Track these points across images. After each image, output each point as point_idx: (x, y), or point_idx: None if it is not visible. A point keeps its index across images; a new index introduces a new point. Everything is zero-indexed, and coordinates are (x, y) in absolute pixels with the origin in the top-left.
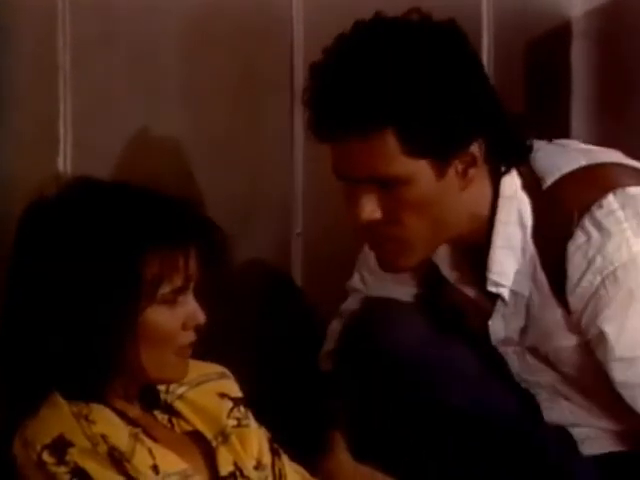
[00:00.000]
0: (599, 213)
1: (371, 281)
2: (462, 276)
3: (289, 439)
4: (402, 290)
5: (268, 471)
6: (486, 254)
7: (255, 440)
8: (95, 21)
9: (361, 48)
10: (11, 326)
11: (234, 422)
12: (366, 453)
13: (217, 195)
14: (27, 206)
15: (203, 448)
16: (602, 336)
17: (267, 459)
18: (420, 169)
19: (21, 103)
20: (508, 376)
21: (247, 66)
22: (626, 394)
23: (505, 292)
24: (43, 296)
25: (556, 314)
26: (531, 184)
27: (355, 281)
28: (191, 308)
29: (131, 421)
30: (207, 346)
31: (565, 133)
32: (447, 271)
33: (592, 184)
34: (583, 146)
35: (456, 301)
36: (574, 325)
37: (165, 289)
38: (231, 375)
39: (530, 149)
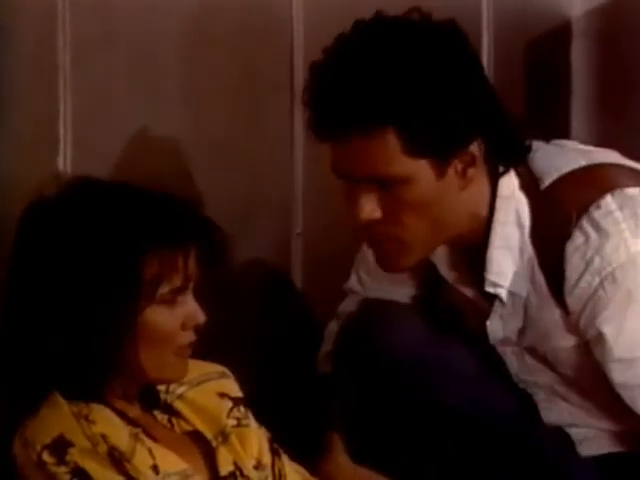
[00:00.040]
0: (597, 214)
1: (369, 282)
2: (460, 276)
3: (289, 439)
4: (400, 291)
5: (268, 471)
6: (484, 254)
7: (255, 440)
8: (95, 21)
9: (361, 48)
10: (11, 326)
11: (234, 422)
12: (364, 455)
13: (217, 195)
14: (27, 206)
15: (203, 448)
16: (601, 337)
17: (267, 459)
18: (420, 169)
19: (21, 103)
20: (506, 376)
21: (247, 66)
22: (625, 395)
23: (503, 293)
24: (43, 296)
25: (554, 315)
26: (529, 184)
27: (352, 282)
28: (190, 308)
29: (131, 421)
30: (207, 346)
31: (565, 133)
32: (445, 271)
33: (590, 185)
34: (581, 147)
35: (454, 301)
36: (572, 326)
37: (164, 289)
38: (231, 375)
39: (529, 149)
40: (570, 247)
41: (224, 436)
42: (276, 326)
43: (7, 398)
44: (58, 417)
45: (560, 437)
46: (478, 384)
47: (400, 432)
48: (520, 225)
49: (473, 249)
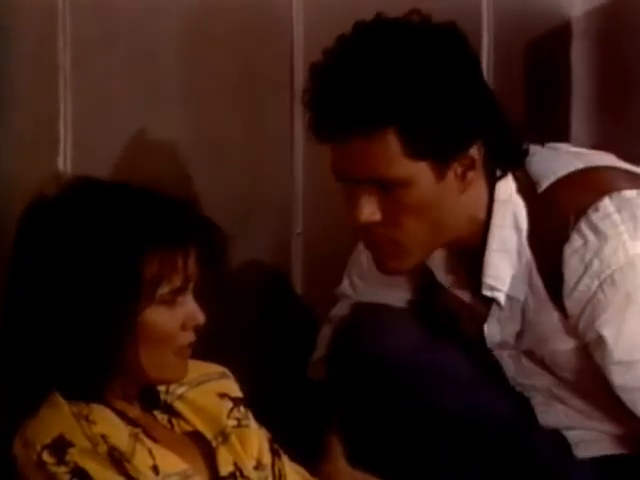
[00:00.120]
0: (595, 216)
1: (361, 286)
2: (457, 280)
3: (289, 439)
4: (394, 295)
5: (268, 471)
6: (482, 258)
7: (255, 440)
8: (95, 21)
9: (362, 49)
10: (11, 326)
11: (234, 422)
12: (360, 458)
13: (217, 195)
14: (27, 206)
15: (203, 448)
16: (600, 340)
17: (267, 459)
18: (420, 171)
19: (21, 103)
20: (502, 380)
21: (247, 66)
22: (625, 397)
23: (501, 296)
24: (43, 296)
25: (552, 318)
26: (526, 188)
27: (345, 286)
28: (190, 308)
29: (131, 421)
30: (207, 346)
31: (565, 133)
32: (442, 275)
33: (587, 187)
34: (576, 149)
35: (450, 306)
36: (571, 329)
37: (164, 289)
38: (231, 375)
39: (526, 153)
40: (568, 250)
41: (224, 436)
42: (276, 326)
43: (7, 398)
44: (58, 417)
45: (556, 440)
46: (473, 388)
47: (395, 436)
48: (518, 228)
49: (470, 253)
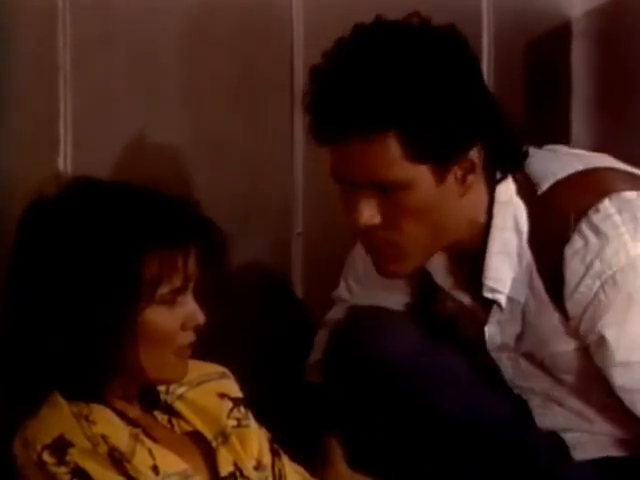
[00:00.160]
0: (596, 217)
1: (358, 290)
2: (456, 283)
3: (289, 439)
4: (393, 298)
5: (268, 471)
6: (482, 261)
7: (255, 440)
8: (95, 21)
9: (361, 52)
10: (11, 326)
11: (234, 422)
12: (360, 461)
13: (217, 195)
14: (27, 206)
15: (203, 448)
16: (602, 341)
17: (267, 459)
18: (420, 174)
19: (21, 103)
20: (500, 383)
21: (247, 66)
22: (626, 398)
23: (502, 298)
24: (43, 296)
25: (552, 320)
26: (526, 190)
27: (341, 290)
28: (190, 308)
29: (131, 421)
30: (207, 346)
31: (565, 133)
32: (441, 278)
33: (587, 189)
34: (574, 151)
35: (449, 309)
36: (572, 330)
37: (164, 289)
38: (231, 375)
39: (526, 155)
40: (569, 251)
41: (224, 437)
42: (276, 326)
43: (7, 398)
44: (58, 417)
45: (554, 442)
46: (472, 390)
47: (395, 438)
48: (518, 230)
49: (471, 256)
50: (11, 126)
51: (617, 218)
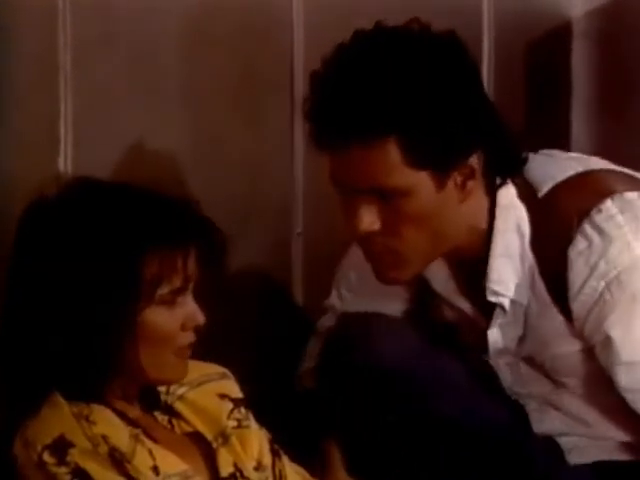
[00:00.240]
0: (598, 218)
1: (350, 298)
2: (455, 289)
3: (289, 440)
4: (387, 306)
5: (268, 472)
6: (483, 265)
7: (255, 441)
8: (95, 21)
9: (361, 58)
10: (11, 326)
11: (234, 423)
12: (358, 468)
13: (217, 195)
14: (27, 206)
15: (203, 449)
16: (608, 341)
17: (267, 460)
18: (420, 180)
19: (21, 103)
20: (498, 388)
21: (247, 66)
22: (630, 398)
23: (505, 301)
24: (43, 296)
25: (555, 321)
26: (527, 193)
27: (333, 299)
28: (190, 309)
29: (131, 422)
30: (207, 346)
31: (565, 133)
32: (439, 285)
33: (589, 190)
34: (570, 154)
35: (447, 315)
36: (576, 332)
37: (164, 290)
38: (232, 376)
39: (525, 161)
40: (573, 252)
41: (224, 437)
42: (276, 326)
43: (7, 398)
44: (59, 417)
45: (550, 446)
46: (469, 394)
47: (393, 442)
48: (520, 233)
49: (471, 262)
50: (11, 126)
51: (620, 218)
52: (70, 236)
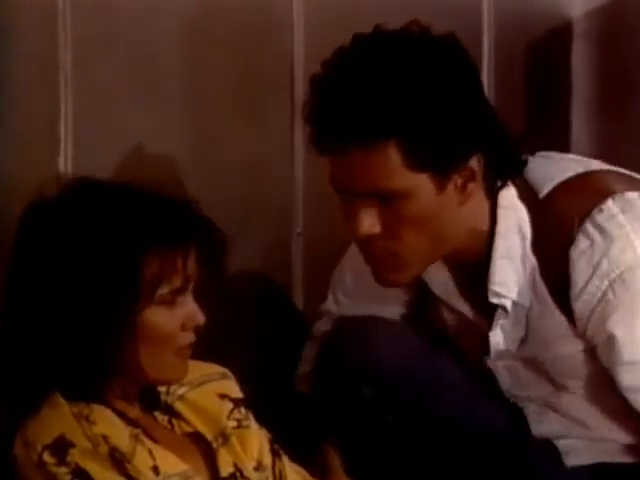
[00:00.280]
0: (600, 217)
1: (347, 303)
2: (455, 292)
3: (289, 440)
4: (384, 310)
5: (268, 472)
6: (483, 268)
7: (255, 441)
8: (95, 21)
9: (361, 62)
10: (11, 326)
11: (234, 423)
12: (358, 470)
13: (217, 195)
14: (27, 206)
15: (203, 449)
16: (611, 340)
17: (267, 460)
18: (420, 183)
19: (21, 103)
20: (496, 391)
21: (247, 66)
22: (632, 398)
23: (507, 303)
24: (43, 296)
25: (556, 322)
26: (527, 195)
27: (329, 303)
28: (190, 309)
29: (131, 422)
30: (207, 346)
31: (565, 133)
32: (438, 288)
33: (589, 190)
34: (568, 156)
35: (444, 319)
36: (577, 332)
37: (164, 290)
38: (232, 376)
39: (525, 163)
40: (575, 252)
41: (224, 437)
42: (276, 326)
43: (7, 398)
44: (59, 417)
45: (547, 449)
46: (467, 397)
47: (393, 444)
48: (521, 235)
49: (471, 264)
50: (11, 126)
51: (621, 217)
52: (70, 236)
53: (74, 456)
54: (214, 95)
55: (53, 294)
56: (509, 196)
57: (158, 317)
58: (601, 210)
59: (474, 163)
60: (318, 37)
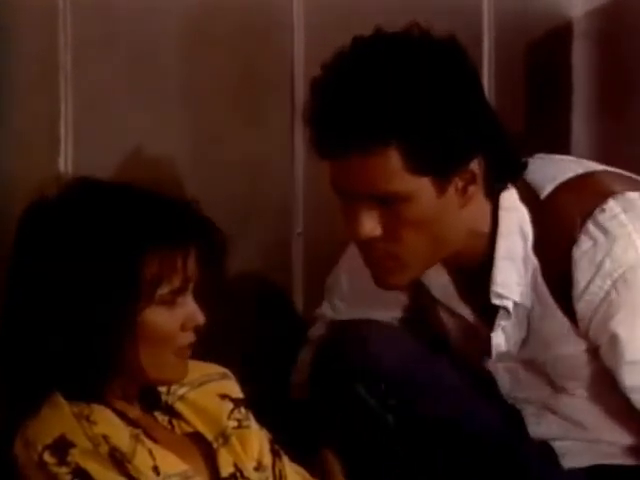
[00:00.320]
0: (602, 217)
1: (343, 308)
2: (455, 295)
3: (290, 440)
4: (381, 315)
5: (269, 472)
6: (484, 270)
7: (256, 441)
8: (96, 21)
9: (361, 65)
10: (11, 326)
11: (235, 423)
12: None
13: (217, 195)
14: (27, 206)
15: (204, 449)
16: (614, 339)
17: (268, 460)
18: (421, 186)
19: (21, 103)
20: (494, 393)
21: (247, 66)
22: (635, 398)
23: (509, 304)
24: (43, 296)
25: (558, 323)
26: (528, 196)
27: (324, 309)
28: (190, 309)
29: (131, 422)
30: (207, 346)
31: (566, 133)
32: (438, 291)
33: (590, 191)
34: (566, 157)
35: (443, 323)
36: (579, 333)
37: (164, 290)
38: (232, 376)
39: (525, 165)
40: (577, 252)
41: (225, 438)
42: (276, 327)
43: (8, 398)
44: (59, 417)
45: (544, 451)
46: (467, 399)
47: (390, 446)
48: (523, 236)
49: (471, 267)
50: (11, 126)
51: (623, 217)
52: (70, 236)
53: (74, 456)
54: (214, 95)
55: (53, 294)
56: (510, 198)
57: (158, 317)
58: (603, 210)
59: (475, 166)
60: (318, 37)
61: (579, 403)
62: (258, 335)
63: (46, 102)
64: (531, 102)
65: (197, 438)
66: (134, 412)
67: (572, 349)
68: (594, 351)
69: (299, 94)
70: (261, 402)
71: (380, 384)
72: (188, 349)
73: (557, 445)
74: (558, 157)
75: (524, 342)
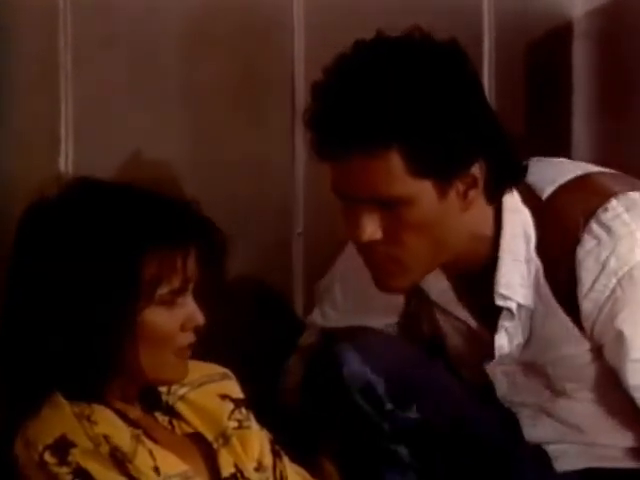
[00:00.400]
0: (605, 217)
1: (334, 316)
2: (455, 299)
3: (290, 440)
4: (377, 321)
5: (269, 473)
6: (486, 273)
7: (256, 442)
8: (96, 21)
9: (362, 68)
10: (11, 326)
11: (235, 424)
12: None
13: (217, 195)
14: (27, 206)
15: (204, 450)
16: (619, 337)
17: (268, 461)
18: (423, 190)
19: (22, 103)
20: (489, 397)
21: (247, 66)
22: (638, 397)
23: (513, 305)
24: (43, 296)
25: (560, 324)
26: (530, 198)
27: (315, 316)
28: (190, 309)
29: (132, 422)
30: (207, 347)
31: (566, 133)
32: (438, 296)
33: (592, 191)
34: (564, 160)
35: (440, 327)
36: (582, 333)
37: (164, 290)
38: (233, 376)
39: (526, 169)
40: (581, 252)
41: (225, 438)
42: (276, 327)
43: (8, 398)
44: (60, 417)
45: (537, 454)
46: (462, 402)
47: (388, 449)
48: (526, 237)
49: (471, 271)
50: (11, 126)
51: (626, 216)
52: (70, 236)
53: (75, 456)
54: (214, 95)
55: (53, 294)
56: (513, 200)
57: (158, 317)
58: (606, 209)
59: (476, 170)
60: (318, 37)
61: (577, 406)
62: (258, 335)
63: (46, 102)
64: (531, 102)
65: (197, 438)
66: (134, 412)
67: (574, 350)
68: (596, 351)
69: (299, 94)
70: (261, 402)
71: (376, 390)
72: (188, 349)
73: (552, 448)
74: (555, 159)
75: (526, 344)
